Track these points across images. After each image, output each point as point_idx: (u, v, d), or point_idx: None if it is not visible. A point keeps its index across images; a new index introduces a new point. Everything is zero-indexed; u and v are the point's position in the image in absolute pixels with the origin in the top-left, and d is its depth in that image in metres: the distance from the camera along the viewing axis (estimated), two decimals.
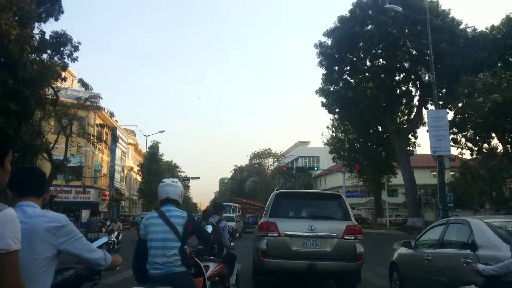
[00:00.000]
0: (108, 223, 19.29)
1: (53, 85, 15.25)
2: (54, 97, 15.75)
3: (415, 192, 30.78)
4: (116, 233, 17.08)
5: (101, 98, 18.21)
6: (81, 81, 15.44)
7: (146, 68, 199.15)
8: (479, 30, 30.32)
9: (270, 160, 76.33)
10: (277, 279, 6.69)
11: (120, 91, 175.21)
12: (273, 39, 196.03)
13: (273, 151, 75.14)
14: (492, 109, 19.18)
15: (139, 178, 49.10)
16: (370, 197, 56.96)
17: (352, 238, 6.88)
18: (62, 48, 13.93)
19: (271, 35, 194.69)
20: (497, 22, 32.12)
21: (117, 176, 44.15)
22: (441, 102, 31.91)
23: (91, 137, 17.30)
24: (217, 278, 5.10)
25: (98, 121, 38.91)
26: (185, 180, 48.88)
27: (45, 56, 14.18)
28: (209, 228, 5.75)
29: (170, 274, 3.47)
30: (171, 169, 53.37)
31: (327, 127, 43.20)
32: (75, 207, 35.03)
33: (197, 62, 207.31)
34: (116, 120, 44.77)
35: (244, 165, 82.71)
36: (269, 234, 6.73)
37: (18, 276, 1.59)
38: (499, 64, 28.66)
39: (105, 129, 17.19)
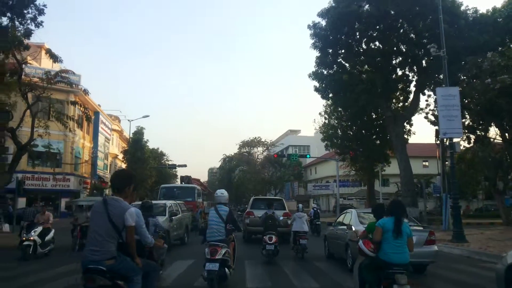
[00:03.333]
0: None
1: (17, 55, 13.37)
2: (18, 69, 13.82)
3: (411, 181, 29.54)
4: (39, 229, 12.34)
5: (73, 73, 16.05)
6: (49, 52, 13.52)
7: (136, 57, 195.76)
8: (480, 12, 28.93)
9: (260, 149, 75.00)
10: (253, 238, 13.89)
11: (107, 77, 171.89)
12: (264, 27, 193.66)
13: (262, 140, 73.72)
14: (501, 91, 17.78)
15: (124, 166, 47.21)
16: (361, 186, 55.97)
17: (286, 218, 14.82)
18: (24, 11, 12.06)
19: (262, 24, 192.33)
20: (498, 4, 30.74)
21: (100, 163, 42.24)
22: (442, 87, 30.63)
23: (62, 116, 15.37)
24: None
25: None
26: (171, 168, 47.09)
27: (4, 19, 12.31)
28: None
29: (221, 240, 7.05)
30: (158, 157, 51.44)
31: (320, 113, 41.73)
32: (54, 195, 33.14)
33: (188, 52, 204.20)
34: (99, 105, 42.71)
35: (233, 154, 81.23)
36: (250, 216, 15.45)
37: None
38: (499, 48, 27.37)
39: (80, 107, 15.16)
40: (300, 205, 13.63)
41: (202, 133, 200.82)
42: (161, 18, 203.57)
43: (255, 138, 73.56)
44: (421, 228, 9.85)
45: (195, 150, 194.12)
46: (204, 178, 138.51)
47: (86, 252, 3.88)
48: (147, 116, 38.31)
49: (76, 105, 15.26)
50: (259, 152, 75.36)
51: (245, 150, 75.13)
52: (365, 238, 5.77)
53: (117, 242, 3.90)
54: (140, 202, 9.52)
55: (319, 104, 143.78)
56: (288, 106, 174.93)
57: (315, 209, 24.42)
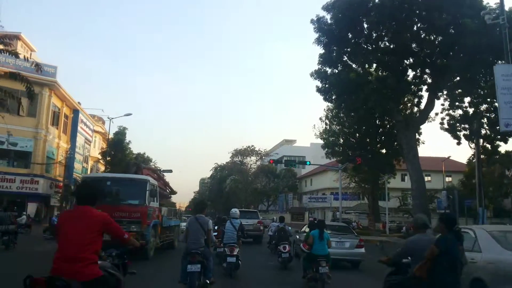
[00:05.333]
0: None
1: None
2: None
3: (423, 195, 26.27)
4: None
5: (17, 38, 12.29)
6: None
7: (132, 62, 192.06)
8: (506, 9, 25.98)
9: (253, 158, 71.49)
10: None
11: (100, 82, 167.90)
12: (260, 39, 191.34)
13: (256, 149, 70.27)
14: None
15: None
16: (361, 200, 52.60)
17: (259, 225, 22.67)
18: None
19: (258, 34, 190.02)
20: None
21: (78, 166, 38.43)
22: (459, 90, 27.63)
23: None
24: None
25: (54, 100, 33.23)
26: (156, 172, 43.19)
27: None
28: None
29: (234, 242, 10.33)
30: (143, 162, 47.59)
31: (320, 118, 38.47)
32: (20, 199, 29.25)
33: (182, 60, 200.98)
34: (79, 103, 39.08)
35: (225, 163, 77.64)
36: None
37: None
38: None
39: (22, 83, 11.30)
40: (274, 217, 21.92)
41: (194, 143, 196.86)
42: (157, 24, 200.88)
43: (249, 146, 70.14)
44: (355, 235, 13.56)
45: (187, 160, 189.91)
46: (195, 188, 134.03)
47: (189, 244, 7.36)
48: (130, 114, 34.89)
49: (17, 79, 11.81)
50: (252, 162, 71.94)
51: (237, 159, 71.60)
52: (305, 241, 9.82)
53: (204, 238, 7.44)
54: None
55: (316, 113, 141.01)
56: (284, 116, 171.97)
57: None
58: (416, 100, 31.20)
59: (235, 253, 10.09)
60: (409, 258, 5.21)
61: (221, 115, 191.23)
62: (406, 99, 31.35)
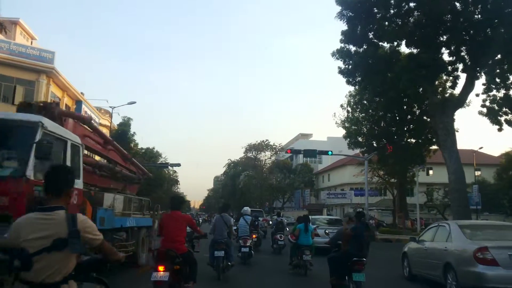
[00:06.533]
0: None
1: None
2: None
3: (463, 187, 23.06)
4: None
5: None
6: None
7: (145, 58, 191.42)
8: None
9: (268, 153, 68.66)
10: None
11: (110, 79, 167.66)
12: (276, 31, 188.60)
13: (271, 143, 67.36)
14: None
15: None
16: (383, 196, 49.36)
17: (265, 222, 26.42)
18: None
19: (274, 27, 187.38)
20: None
21: None
22: (498, 71, 24.34)
23: None
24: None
25: (54, 89, 30.92)
26: (163, 166, 40.71)
27: None
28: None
29: (247, 235, 12.88)
30: (153, 157, 45.13)
31: (341, 105, 35.27)
32: None
33: (195, 54, 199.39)
34: (82, 93, 36.74)
35: (238, 159, 75.03)
36: None
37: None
38: None
39: None
40: (276, 212, 23.94)
41: (208, 140, 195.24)
42: (172, 18, 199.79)
43: (263, 141, 67.31)
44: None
45: (200, 158, 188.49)
46: (209, 186, 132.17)
47: (215, 235, 9.60)
48: (134, 102, 32.27)
49: None
50: (266, 157, 69.11)
51: (251, 154, 68.84)
52: (292, 233, 11.67)
53: (227, 232, 9.61)
54: None
55: (333, 106, 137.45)
56: (300, 110, 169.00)
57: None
58: (449, 83, 28.04)
59: (248, 244, 12.26)
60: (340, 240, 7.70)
61: (236, 110, 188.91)
62: (437, 82, 28.21)
